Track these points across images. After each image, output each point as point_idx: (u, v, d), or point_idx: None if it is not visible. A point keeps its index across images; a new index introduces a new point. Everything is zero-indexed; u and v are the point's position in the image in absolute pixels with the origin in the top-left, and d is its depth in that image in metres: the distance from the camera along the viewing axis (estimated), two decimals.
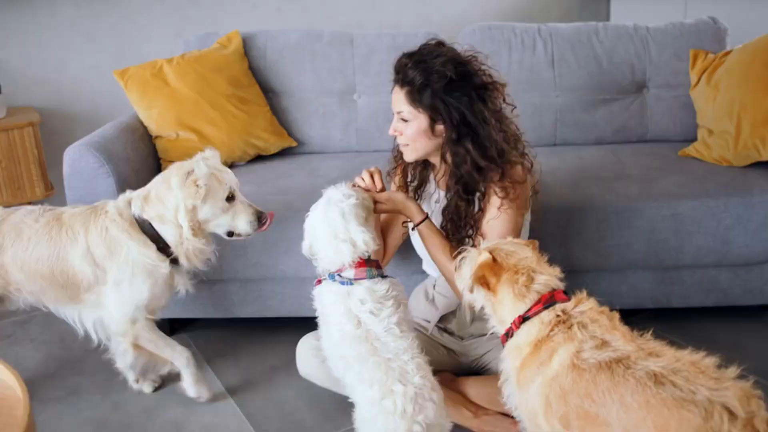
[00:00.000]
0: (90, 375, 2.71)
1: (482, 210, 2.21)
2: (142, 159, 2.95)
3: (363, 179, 2.22)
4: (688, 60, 3.16)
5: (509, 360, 1.78)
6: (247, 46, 3.29)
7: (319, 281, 2.09)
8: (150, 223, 2.31)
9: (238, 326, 2.96)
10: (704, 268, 2.74)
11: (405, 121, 2.17)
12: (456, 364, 2.42)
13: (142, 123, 3.07)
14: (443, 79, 2.07)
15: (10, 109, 3.66)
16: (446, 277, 2.23)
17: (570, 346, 1.65)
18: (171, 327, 2.96)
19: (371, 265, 2.02)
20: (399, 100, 2.16)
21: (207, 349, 2.84)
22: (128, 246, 2.29)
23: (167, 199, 2.28)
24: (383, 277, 2.03)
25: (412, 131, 2.16)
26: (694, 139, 3.10)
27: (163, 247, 2.32)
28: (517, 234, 2.21)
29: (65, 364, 2.80)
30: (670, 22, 3.28)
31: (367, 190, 2.18)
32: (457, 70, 2.09)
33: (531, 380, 1.70)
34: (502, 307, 1.80)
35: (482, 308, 1.88)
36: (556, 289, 1.78)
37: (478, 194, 2.19)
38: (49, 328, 3.06)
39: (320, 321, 2.07)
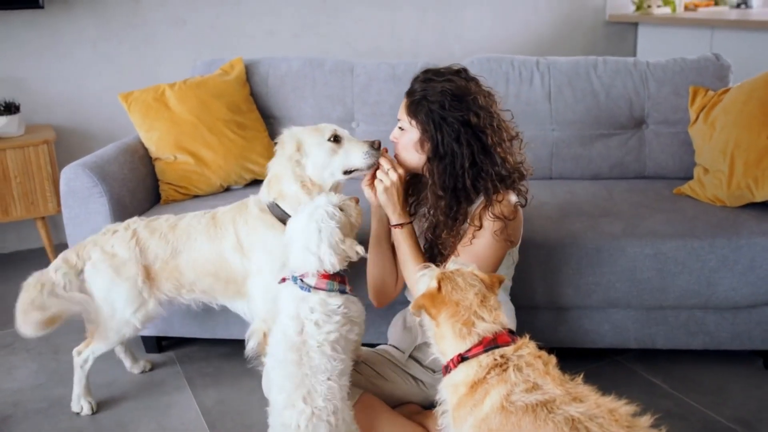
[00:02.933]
0: None
1: (457, 234, 2.22)
2: (140, 179, 3.04)
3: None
4: (688, 96, 3.11)
5: (448, 395, 1.79)
6: (249, 73, 3.37)
7: (284, 280, 2.16)
8: (277, 205, 2.38)
9: (224, 347, 3.01)
10: (689, 310, 2.68)
11: (402, 129, 2.25)
12: (424, 396, 2.41)
13: (143, 145, 3.16)
14: (437, 104, 2.14)
15: (29, 126, 3.82)
16: (410, 287, 2.27)
17: (502, 389, 1.65)
18: (158, 345, 3.03)
19: (335, 279, 2.08)
20: (402, 108, 2.26)
21: (190, 369, 2.90)
22: (262, 234, 2.38)
23: (277, 173, 2.36)
24: (343, 292, 2.09)
25: (405, 140, 2.24)
26: (692, 177, 3.04)
27: None
28: (493, 266, 2.22)
29: (54, 375, 2.88)
30: (672, 58, 3.24)
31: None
32: (452, 103, 2.13)
33: (465, 419, 1.70)
34: (443, 340, 1.82)
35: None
36: (499, 331, 1.77)
37: (458, 218, 2.20)
38: (47, 340, 3.15)
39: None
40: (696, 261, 2.59)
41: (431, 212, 2.22)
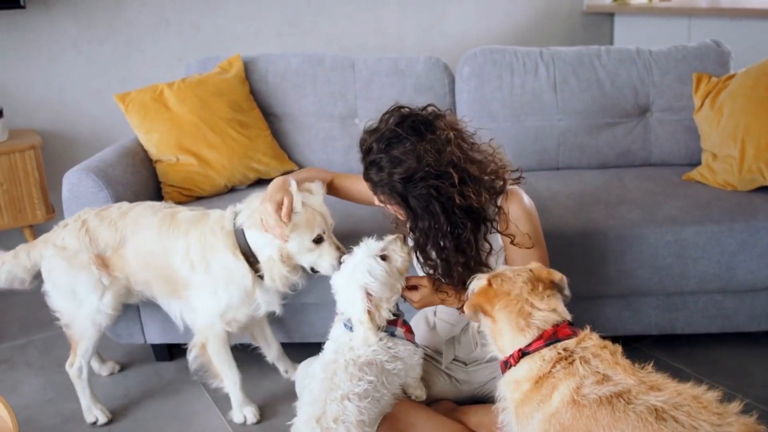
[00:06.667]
0: None
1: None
2: (142, 183, 2.94)
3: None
4: (692, 83, 3.14)
5: (508, 392, 1.76)
6: (248, 70, 3.29)
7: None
8: (244, 234, 2.34)
9: (239, 353, 2.91)
10: (709, 294, 2.71)
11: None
12: (456, 392, 2.38)
13: (142, 147, 3.06)
14: (392, 187, 2.05)
15: (12, 131, 3.66)
16: None
17: (571, 382, 1.61)
18: (170, 352, 2.95)
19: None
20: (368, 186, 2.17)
21: (205, 376, 2.81)
22: (218, 256, 2.36)
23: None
24: (392, 334, 2.03)
25: (391, 208, 2.17)
26: (698, 163, 3.07)
27: (253, 261, 2.35)
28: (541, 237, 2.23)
29: (62, 389, 2.76)
30: (673, 46, 3.26)
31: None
32: (406, 186, 2.02)
33: (531, 416, 1.67)
34: (501, 337, 1.78)
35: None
36: (559, 323, 1.74)
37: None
38: (48, 353, 3.04)
39: None
40: (716, 245, 2.61)
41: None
